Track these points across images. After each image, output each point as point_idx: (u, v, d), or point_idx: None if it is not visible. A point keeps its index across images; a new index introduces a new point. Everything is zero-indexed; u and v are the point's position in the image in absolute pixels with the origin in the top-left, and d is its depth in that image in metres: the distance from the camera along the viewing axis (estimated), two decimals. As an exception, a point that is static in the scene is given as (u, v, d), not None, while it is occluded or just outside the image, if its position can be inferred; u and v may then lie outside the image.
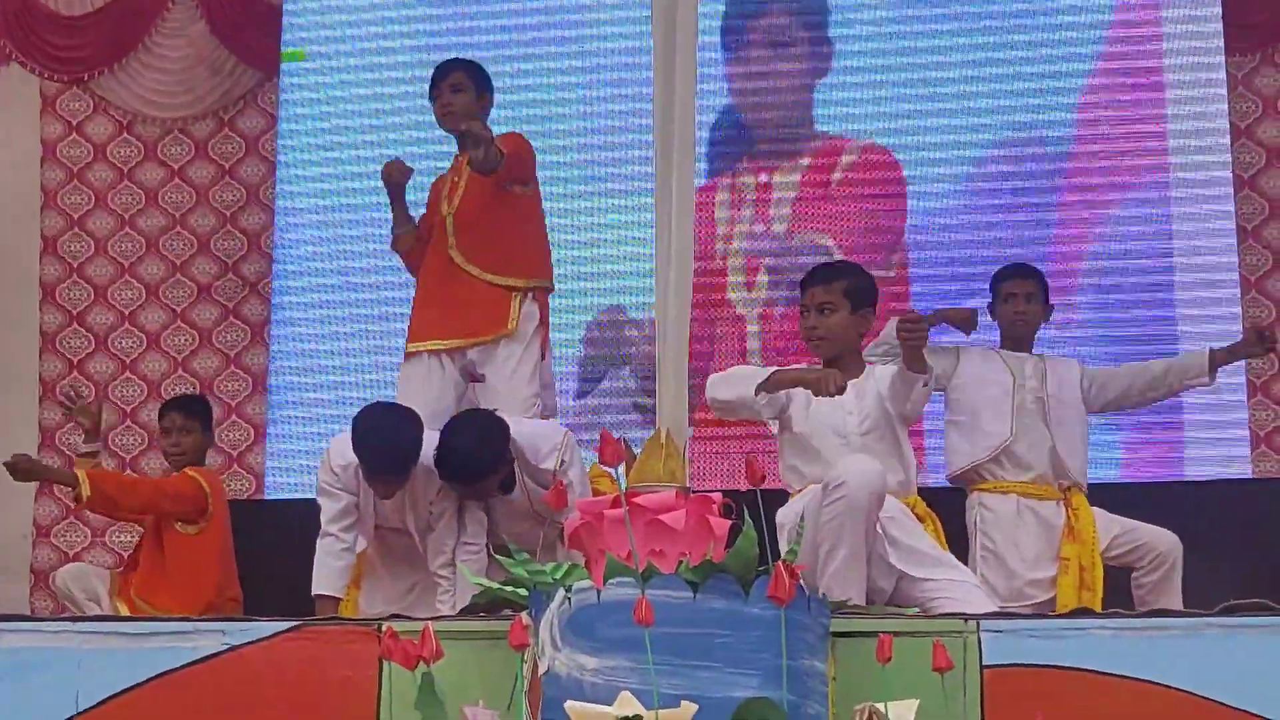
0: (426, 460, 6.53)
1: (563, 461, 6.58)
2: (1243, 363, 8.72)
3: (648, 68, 5.00)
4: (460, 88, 7.06)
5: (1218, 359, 7.07)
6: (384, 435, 6.51)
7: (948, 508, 6.66)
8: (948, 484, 7.07)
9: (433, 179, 7.33)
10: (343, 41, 9.85)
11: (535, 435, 6.67)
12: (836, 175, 9.25)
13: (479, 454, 6.48)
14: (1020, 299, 7.10)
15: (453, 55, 9.11)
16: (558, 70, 9.57)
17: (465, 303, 6.98)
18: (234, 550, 7.61)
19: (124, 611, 7.27)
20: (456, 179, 7.09)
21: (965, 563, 6.46)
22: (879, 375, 6.16)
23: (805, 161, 9.31)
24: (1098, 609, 6.48)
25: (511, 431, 6.55)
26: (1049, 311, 7.21)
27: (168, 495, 7.47)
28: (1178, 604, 6.62)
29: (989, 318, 7.23)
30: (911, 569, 5.85)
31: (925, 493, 6.29)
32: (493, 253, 6.98)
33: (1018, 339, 7.10)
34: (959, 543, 6.65)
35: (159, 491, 7.53)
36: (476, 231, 6.99)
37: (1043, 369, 7.01)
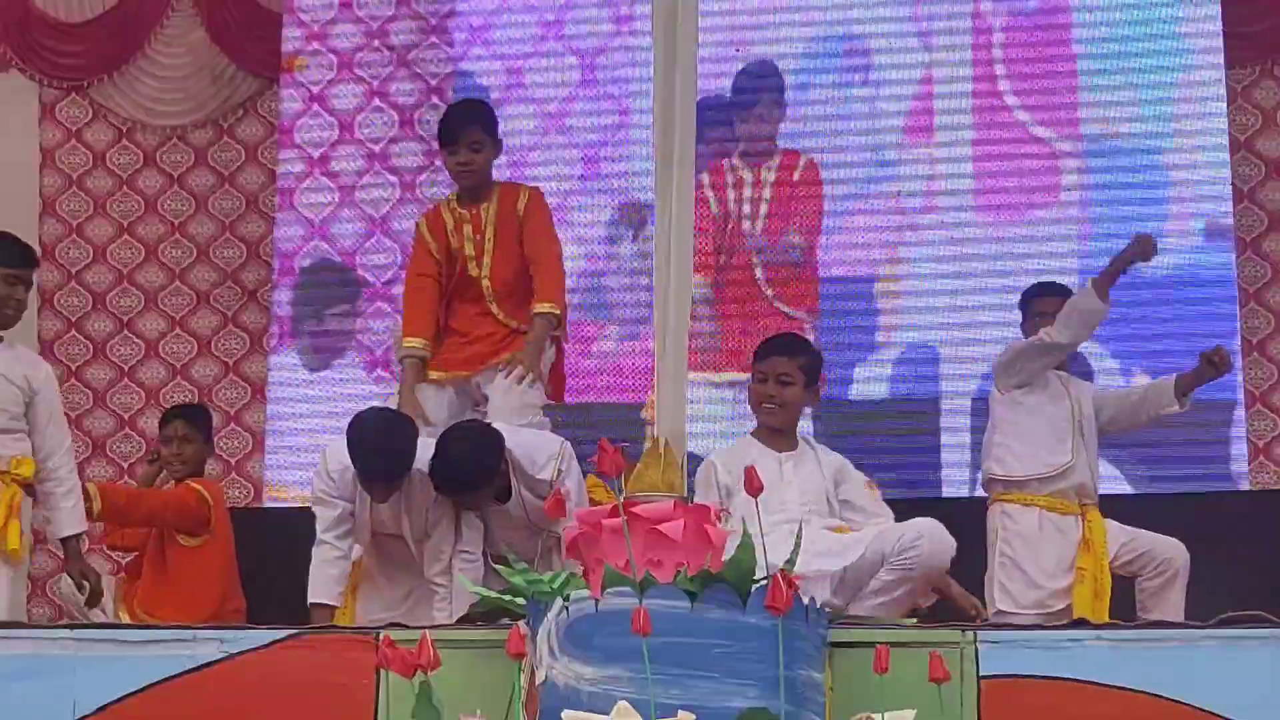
0: (423, 467, 6.53)
1: (559, 471, 6.57)
2: (1239, 375, 8.76)
3: (647, 79, 5.01)
4: (479, 146, 7.05)
5: (1183, 385, 7.08)
6: (378, 438, 6.51)
7: (968, 517, 6.83)
8: (965, 495, 7.11)
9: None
10: (343, 49, 9.84)
11: (532, 445, 6.67)
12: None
13: (473, 464, 6.49)
14: (1027, 324, 7.15)
15: (454, 63, 9.21)
16: (557, 81, 9.59)
17: (498, 345, 7.07)
18: (236, 560, 7.63)
19: (126, 620, 7.29)
20: (479, 236, 7.08)
21: (986, 571, 6.83)
22: (828, 459, 6.35)
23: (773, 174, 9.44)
24: (1106, 614, 6.61)
25: (508, 441, 6.56)
26: None
27: (171, 507, 7.49)
28: (1176, 612, 6.66)
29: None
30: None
31: (944, 503, 6.37)
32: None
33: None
34: (978, 552, 6.81)
35: (164, 504, 7.55)
36: (518, 294, 7.05)
37: (1079, 392, 7.08)
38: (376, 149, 9.68)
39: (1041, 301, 7.13)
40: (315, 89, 9.79)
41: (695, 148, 4.89)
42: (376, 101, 9.76)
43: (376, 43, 9.81)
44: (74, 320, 10.04)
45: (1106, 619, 6.69)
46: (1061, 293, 7.14)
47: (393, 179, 9.64)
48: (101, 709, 4.86)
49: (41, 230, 10.11)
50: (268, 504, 9.44)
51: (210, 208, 10.08)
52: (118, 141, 10.22)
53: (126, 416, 9.88)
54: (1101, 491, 7.13)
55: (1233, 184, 9.05)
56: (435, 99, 9.59)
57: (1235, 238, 9.02)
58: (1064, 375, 7.09)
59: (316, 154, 9.74)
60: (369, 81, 9.76)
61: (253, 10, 10.07)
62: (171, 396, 9.80)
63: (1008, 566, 6.92)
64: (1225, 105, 9.07)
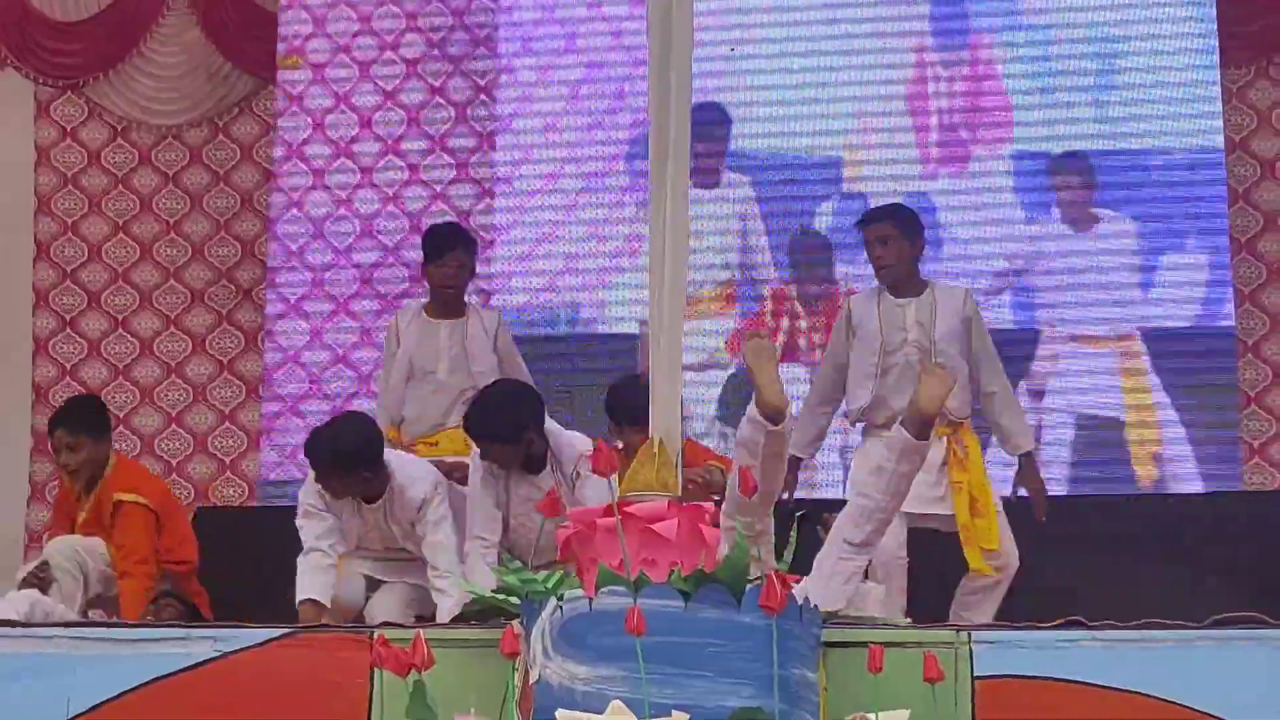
0: (404, 478, 6.69)
1: (578, 474, 6.61)
2: (1236, 375, 8.78)
3: (642, 77, 5.01)
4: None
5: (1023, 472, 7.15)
6: (331, 431, 6.76)
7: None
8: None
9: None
10: (338, 48, 9.85)
11: (565, 443, 6.79)
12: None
13: (502, 413, 6.60)
14: (875, 244, 7.15)
15: (446, 67, 9.27)
16: (550, 77, 9.62)
17: None
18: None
19: None
20: None
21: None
22: None
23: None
24: (995, 534, 6.77)
25: (550, 428, 6.71)
26: (919, 247, 7.21)
27: (147, 552, 7.50)
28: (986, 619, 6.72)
29: None
30: None
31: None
32: None
33: (892, 283, 7.13)
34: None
35: (142, 556, 7.52)
36: None
37: (930, 307, 7.07)
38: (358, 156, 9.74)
39: (869, 229, 7.19)
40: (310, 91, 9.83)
41: (690, 147, 4.89)
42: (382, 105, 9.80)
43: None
44: (69, 319, 10.03)
45: (994, 544, 6.78)
46: (882, 217, 7.21)
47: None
48: (96, 707, 4.85)
49: (37, 228, 10.11)
50: (261, 503, 9.45)
51: (205, 206, 10.08)
52: (113, 140, 10.22)
53: (121, 415, 9.86)
54: (1103, 492, 7.11)
55: (1228, 184, 9.06)
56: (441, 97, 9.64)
57: (1230, 238, 9.03)
58: (901, 304, 7.09)
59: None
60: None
61: (249, 9, 10.07)
62: (166, 395, 9.84)
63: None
64: (1220, 106, 9.07)
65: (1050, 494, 8.18)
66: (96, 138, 10.22)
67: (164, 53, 10.22)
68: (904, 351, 7.00)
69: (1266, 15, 9.23)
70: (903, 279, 7.11)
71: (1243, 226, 9.17)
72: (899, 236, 7.10)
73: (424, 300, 7.81)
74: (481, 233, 9.25)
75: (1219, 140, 9.03)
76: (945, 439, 6.93)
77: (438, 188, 9.60)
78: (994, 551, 6.82)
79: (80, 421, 7.67)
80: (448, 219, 9.26)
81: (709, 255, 9.22)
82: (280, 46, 9.87)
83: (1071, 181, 9.11)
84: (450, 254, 7.54)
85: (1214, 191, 9.01)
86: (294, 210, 9.73)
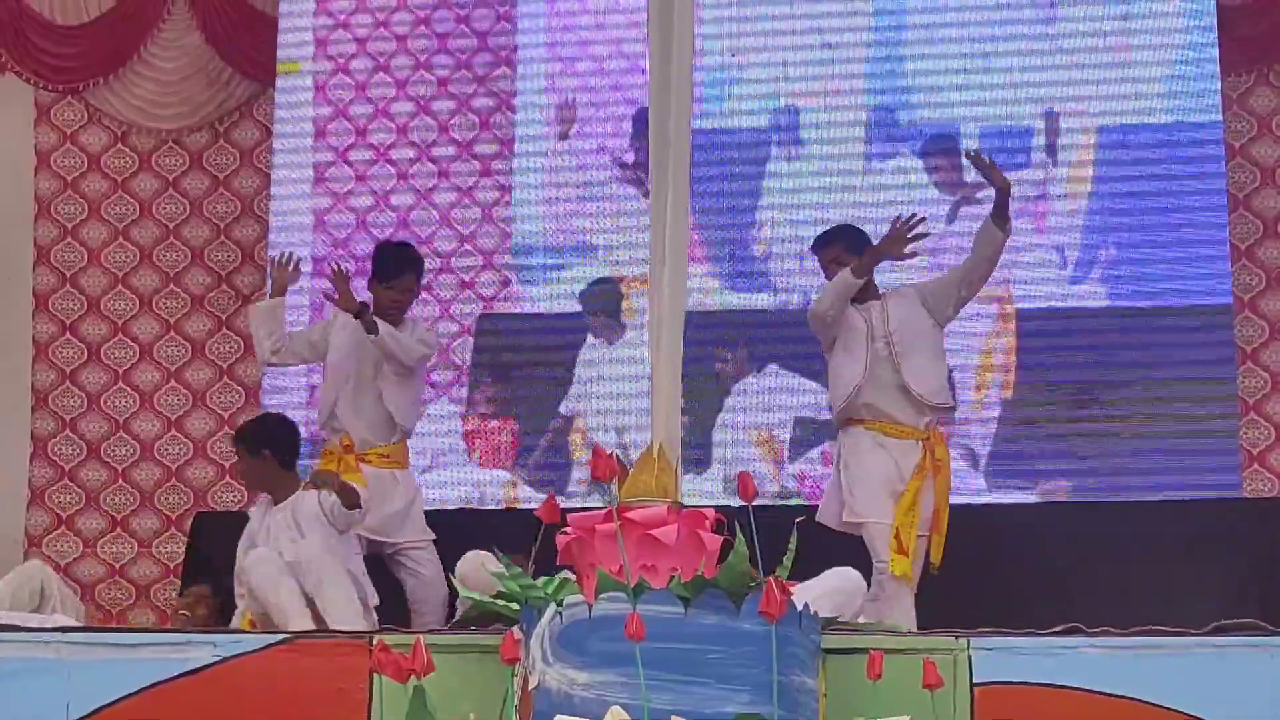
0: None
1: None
2: (1236, 384, 8.78)
3: (642, 85, 5.01)
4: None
5: (996, 211, 7.28)
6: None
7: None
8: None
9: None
10: (338, 54, 9.86)
11: None
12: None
13: None
14: (831, 266, 7.42)
15: (443, 68, 9.31)
16: (554, 81, 9.64)
17: None
18: None
19: None
20: None
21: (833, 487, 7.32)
22: None
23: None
24: (940, 549, 7.03)
25: None
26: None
27: None
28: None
29: None
30: None
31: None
32: None
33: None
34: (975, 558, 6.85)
35: None
36: None
37: (885, 310, 7.31)
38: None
39: (823, 253, 7.52)
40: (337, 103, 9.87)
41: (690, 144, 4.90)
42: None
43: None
44: (68, 323, 10.03)
45: (938, 557, 7.07)
46: (833, 240, 7.53)
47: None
48: (95, 712, 4.85)
49: (36, 233, 10.11)
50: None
51: (205, 211, 10.08)
52: (113, 145, 10.22)
53: (120, 420, 9.88)
54: (1099, 498, 7.12)
55: (1228, 191, 9.06)
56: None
57: (1230, 245, 9.03)
58: (864, 308, 7.31)
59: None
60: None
61: (249, 14, 10.07)
62: (165, 400, 9.83)
63: (851, 473, 7.20)
64: (1221, 113, 9.08)
65: (1053, 500, 8.19)
66: (96, 142, 10.22)
67: (164, 57, 10.22)
68: (875, 348, 7.25)
69: (1269, 16, 9.23)
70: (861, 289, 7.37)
71: (1242, 233, 9.17)
72: (850, 255, 7.37)
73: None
74: (502, 224, 9.51)
75: (1219, 149, 9.05)
76: (920, 443, 7.18)
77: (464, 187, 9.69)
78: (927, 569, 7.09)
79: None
80: (475, 214, 9.57)
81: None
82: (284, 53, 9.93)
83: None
84: (401, 279, 7.80)
85: (1215, 200, 9.02)
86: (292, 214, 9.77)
